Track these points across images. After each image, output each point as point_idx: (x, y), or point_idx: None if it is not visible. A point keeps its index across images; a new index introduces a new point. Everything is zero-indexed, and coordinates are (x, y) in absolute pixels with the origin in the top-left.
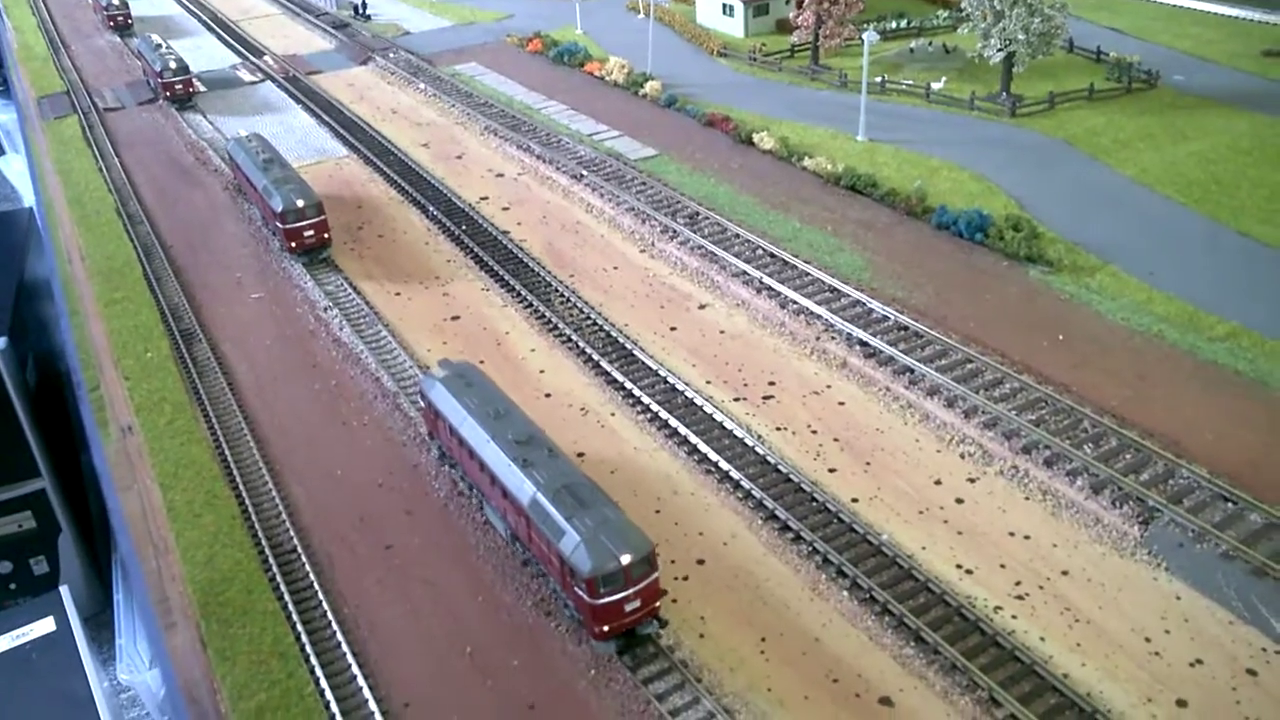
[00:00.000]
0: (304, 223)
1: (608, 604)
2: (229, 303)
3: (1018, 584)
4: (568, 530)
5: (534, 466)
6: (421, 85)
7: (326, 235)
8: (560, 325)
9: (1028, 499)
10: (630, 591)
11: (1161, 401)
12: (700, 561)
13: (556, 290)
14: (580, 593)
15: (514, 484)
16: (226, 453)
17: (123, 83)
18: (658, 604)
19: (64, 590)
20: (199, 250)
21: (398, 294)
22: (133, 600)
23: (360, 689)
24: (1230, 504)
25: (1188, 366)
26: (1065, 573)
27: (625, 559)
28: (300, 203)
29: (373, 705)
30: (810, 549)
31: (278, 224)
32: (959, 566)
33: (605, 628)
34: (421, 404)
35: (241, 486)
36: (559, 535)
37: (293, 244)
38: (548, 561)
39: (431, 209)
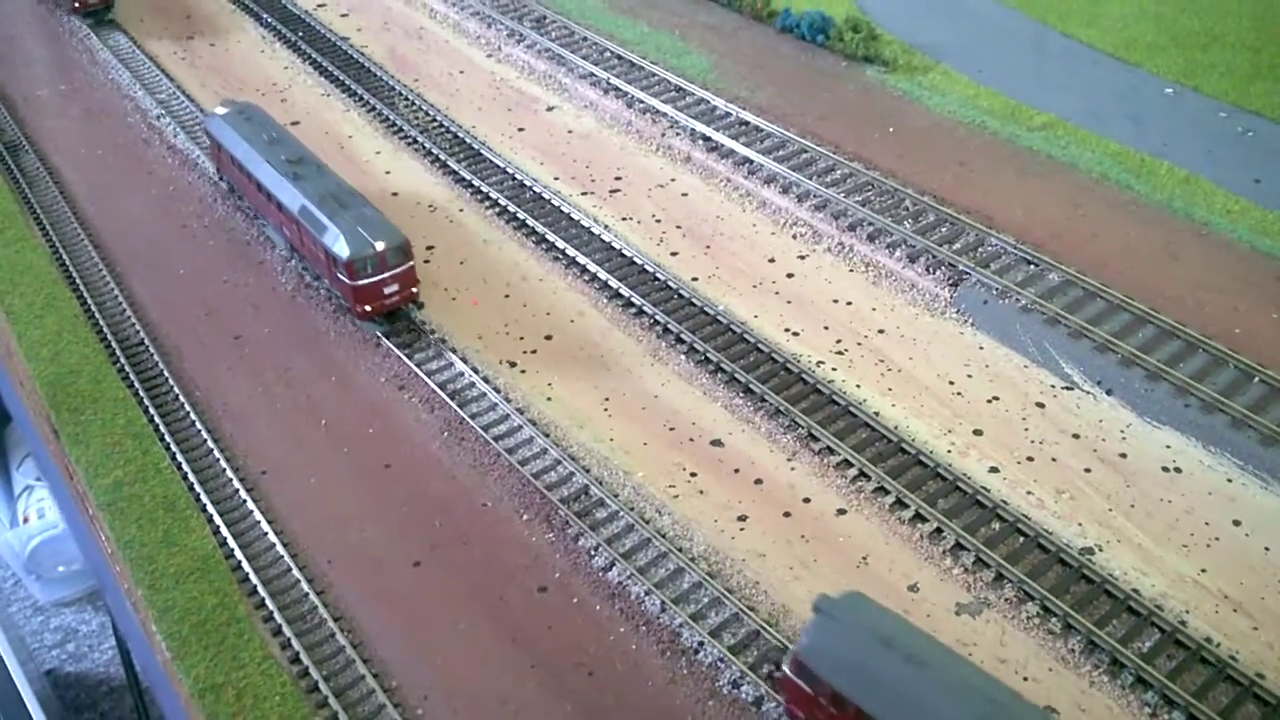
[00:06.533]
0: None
1: (367, 285)
2: (56, 115)
3: (838, 342)
4: (329, 226)
5: (303, 179)
6: None
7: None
8: (405, 128)
9: (851, 271)
10: (386, 275)
11: (979, 183)
12: (548, 337)
13: (401, 95)
14: (341, 276)
15: (287, 196)
16: (65, 257)
17: None
18: (415, 290)
19: None
20: (16, 65)
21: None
22: None
23: (217, 460)
24: (1032, 266)
25: (1006, 153)
26: (881, 331)
27: (380, 245)
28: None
29: (230, 474)
30: (652, 321)
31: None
32: (787, 330)
33: (367, 307)
34: (209, 142)
35: (82, 287)
36: (322, 232)
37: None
38: (316, 259)
39: (266, 17)
